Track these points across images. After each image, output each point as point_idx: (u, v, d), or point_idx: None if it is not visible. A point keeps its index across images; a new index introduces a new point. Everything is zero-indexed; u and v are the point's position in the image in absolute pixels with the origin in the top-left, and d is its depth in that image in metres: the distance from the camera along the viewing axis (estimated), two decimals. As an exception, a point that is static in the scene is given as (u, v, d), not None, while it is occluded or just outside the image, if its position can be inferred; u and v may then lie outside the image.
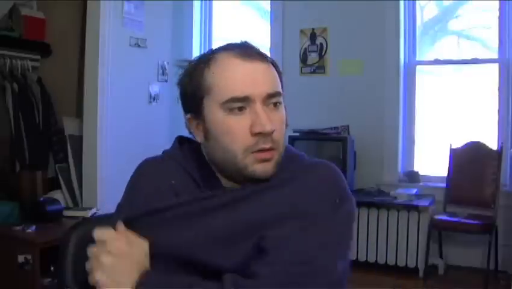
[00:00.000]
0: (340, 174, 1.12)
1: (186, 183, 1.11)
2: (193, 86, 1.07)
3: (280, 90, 1.08)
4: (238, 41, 1.13)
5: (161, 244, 1.04)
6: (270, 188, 1.06)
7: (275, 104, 1.06)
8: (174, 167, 1.14)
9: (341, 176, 1.11)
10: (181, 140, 1.21)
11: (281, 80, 1.10)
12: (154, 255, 1.04)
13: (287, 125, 1.10)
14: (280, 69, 1.12)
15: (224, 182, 1.11)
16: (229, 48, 1.08)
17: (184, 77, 1.10)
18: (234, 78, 1.03)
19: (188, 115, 1.11)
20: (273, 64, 1.10)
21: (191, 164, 1.13)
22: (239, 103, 1.02)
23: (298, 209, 1.03)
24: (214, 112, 1.05)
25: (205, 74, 1.06)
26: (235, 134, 1.03)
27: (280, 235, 1.00)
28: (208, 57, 1.08)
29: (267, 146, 1.04)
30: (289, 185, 1.07)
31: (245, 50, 1.08)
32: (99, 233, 1.00)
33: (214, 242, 1.03)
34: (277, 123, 1.05)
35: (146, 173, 1.17)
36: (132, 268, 0.98)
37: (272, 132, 1.03)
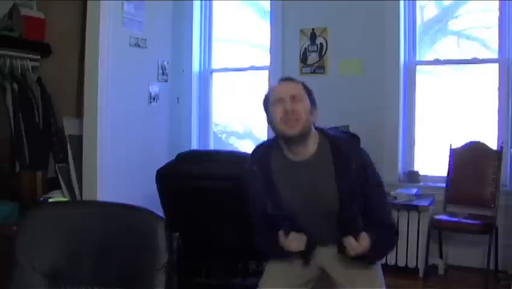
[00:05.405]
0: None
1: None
2: (266, 103, 2.06)
3: (299, 93, 2.01)
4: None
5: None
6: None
7: (296, 99, 1.98)
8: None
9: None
10: None
11: (308, 92, 2.08)
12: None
13: (312, 114, 2.04)
14: (308, 87, 2.10)
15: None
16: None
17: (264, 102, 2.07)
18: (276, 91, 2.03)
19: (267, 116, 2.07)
20: (302, 84, 2.08)
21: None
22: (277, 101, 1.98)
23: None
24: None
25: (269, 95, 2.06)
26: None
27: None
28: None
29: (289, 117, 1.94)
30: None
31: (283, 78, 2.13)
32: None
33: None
34: (298, 108, 1.96)
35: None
36: None
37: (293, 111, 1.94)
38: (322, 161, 1.99)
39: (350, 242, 1.88)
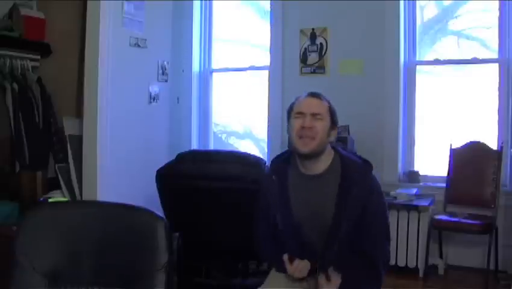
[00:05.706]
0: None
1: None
2: (289, 113, 2.09)
3: (321, 112, 2.01)
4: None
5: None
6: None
7: (317, 118, 2.00)
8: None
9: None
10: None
11: (331, 112, 2.05)
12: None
13: (330, 134, 2.03)
14: (333, 107, 2.08)
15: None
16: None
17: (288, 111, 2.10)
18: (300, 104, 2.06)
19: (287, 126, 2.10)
20: (328, 103, 2.07)
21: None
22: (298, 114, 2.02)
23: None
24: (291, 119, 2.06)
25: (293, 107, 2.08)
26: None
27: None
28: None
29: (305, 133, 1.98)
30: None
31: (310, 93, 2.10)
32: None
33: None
34: (316, 126, 1.98)
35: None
36: None
37: (310, 128, 1.98)
38: (331, 178, 2.02)
39: (322, 279, 1.92)
